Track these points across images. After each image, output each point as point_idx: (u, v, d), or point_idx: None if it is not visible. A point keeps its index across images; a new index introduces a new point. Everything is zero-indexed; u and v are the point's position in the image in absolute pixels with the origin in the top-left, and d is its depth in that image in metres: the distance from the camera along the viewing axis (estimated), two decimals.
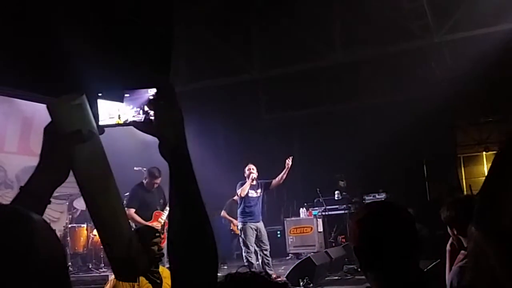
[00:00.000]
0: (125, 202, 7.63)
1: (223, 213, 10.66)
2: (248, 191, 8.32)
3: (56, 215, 9.71)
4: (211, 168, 12.12)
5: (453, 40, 9.69)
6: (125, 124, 1.20)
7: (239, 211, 8.52)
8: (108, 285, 3.93)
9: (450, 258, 2.94)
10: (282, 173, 8.47)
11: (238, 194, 8.37)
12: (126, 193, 7.80)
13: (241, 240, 8.41)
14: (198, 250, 1.06)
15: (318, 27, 10.17)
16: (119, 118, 1.21)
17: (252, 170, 8.38)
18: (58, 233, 9.41)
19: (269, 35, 10.54)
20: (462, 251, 2.77)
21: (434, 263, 5.61)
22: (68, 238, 8.77)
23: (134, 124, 1.18)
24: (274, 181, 8.64)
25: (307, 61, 10.70)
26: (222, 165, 11.99)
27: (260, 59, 10.98)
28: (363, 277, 1.61)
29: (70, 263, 9.03)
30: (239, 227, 8.51)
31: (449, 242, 2.96)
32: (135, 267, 1.12)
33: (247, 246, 8.26)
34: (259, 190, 8.51)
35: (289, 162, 8.39)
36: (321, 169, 12.07)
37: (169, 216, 1.12)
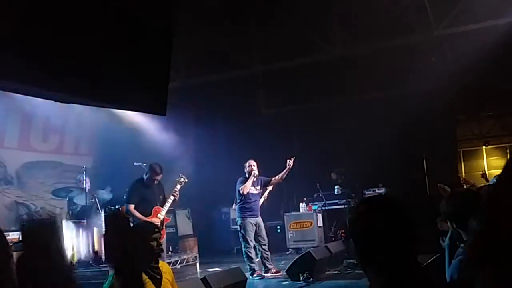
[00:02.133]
0: (125, 197, 7.67)
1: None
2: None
3: (57, 211, 9.72)
4: (210, 163, 12.14)
5: (453, 34, 9.66)
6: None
7: (238, 206, 8.53)
8: None
9: (450, 252, 2.95)
10: (283, 172, 8.48)
11: (240, 191, 8.37)
12: (126, 188, 7.82)
13: (240, 235, 8.43)
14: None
15: (318, 22, 10.15)
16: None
17: (253, 167, 8.38)
18: None
19: (268, 30, 10.50)
20: (462, 245, 2.77)
21: (434, 257, 5.61)
22: None
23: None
24: (274, 180, 8.65)
25: (306, 56, 10.67)
26: (221, 160, 11.99)
27: (259, 54, 10.95)
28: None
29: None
30: (238, 223, 8.52)
31: (448, 235, 2.96)
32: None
33: (246, 241, 8.28)
34: (258, 187, 8.53)
35: (290, 162, 8.38)
36: (320, 163, 12.07)
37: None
